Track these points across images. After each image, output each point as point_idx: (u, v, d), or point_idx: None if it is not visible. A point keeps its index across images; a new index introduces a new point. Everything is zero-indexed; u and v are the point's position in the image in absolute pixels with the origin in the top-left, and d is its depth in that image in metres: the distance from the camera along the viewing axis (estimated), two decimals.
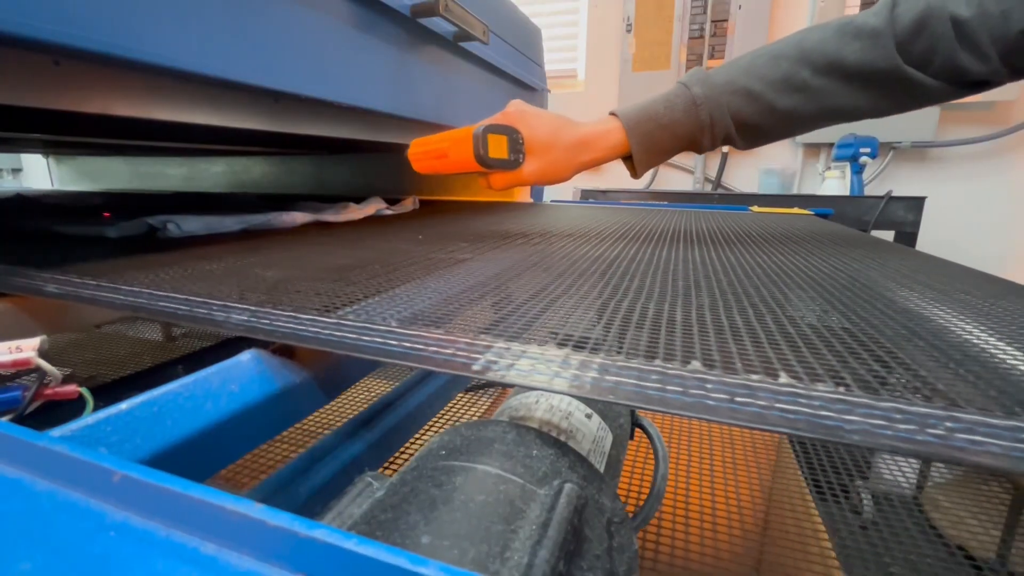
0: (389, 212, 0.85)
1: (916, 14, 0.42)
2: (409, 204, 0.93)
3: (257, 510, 0.12)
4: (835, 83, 0.45)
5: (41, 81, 0.37)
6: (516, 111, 0.51)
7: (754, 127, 0.49)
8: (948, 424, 0.16)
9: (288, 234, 0.60)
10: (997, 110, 1.53)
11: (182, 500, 0.13)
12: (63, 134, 0.76)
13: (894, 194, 1.26)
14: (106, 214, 0.68)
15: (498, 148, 0.48)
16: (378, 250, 0.46)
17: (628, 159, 0.52)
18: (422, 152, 0.51)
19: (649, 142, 0.50)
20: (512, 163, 0.50)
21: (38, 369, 0.22)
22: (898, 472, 0.65)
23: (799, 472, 0.67)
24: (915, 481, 0.65)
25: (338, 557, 0.11)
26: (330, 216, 0.73)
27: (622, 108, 0.51)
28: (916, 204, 1.27)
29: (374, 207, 0.82)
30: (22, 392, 0.22)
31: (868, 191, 1.56)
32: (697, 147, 0.51)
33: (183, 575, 0.12)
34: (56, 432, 0.17)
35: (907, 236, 1.28)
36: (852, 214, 1.28)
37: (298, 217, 0.68)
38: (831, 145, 1.60)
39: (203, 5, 0.38)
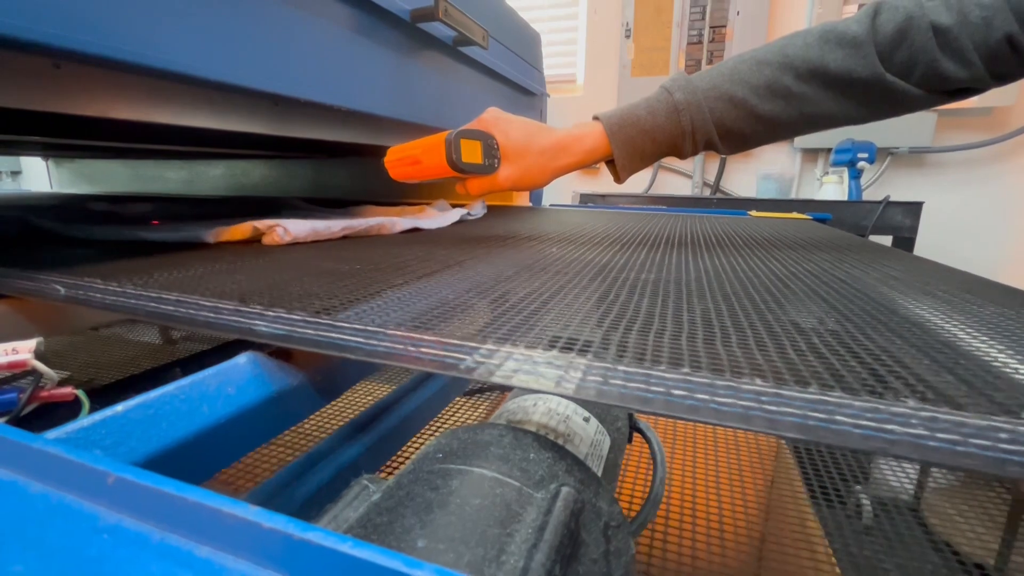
0: (472, 217, 0.82)
1: (897, 24, 0.42)
2: (479, 208, 0.87)
3: (252, 513, 0.12)
4: (817, 90, 0.45)
5: (42, 84, 0.37)
6: (491, 117, 0.51)
7: (736, 133, 0.48)
8: (951, 428, 0.16)
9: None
10: (995, 115, 1.53)
11: (177, 503, 0.13)
12: (63, 137, 0.76)
13: (892, 199, 1.27)
14: (155, 222, 0.65)
15: (472, 153, 0.48)
16: (374, 252, 0.47)
17: (611, 163, 0.52)
18: (396, 159, 0.51)
19: (631, 147, 0.50)
20: (487, 168, 0.50)
21: (34, 371, 0.22)
22: (894, 478, 0.65)
23: (798, 476, 0.67)
24: (913, 487, 0.65)
25: (333, 560, 0.11)
26: (423, 223, 0.69)
27: (605, 112, 0.51)
28: (914, 209, 1.27)
29: (457, 212, 0.79)
30: (18, 394, 0.22)
31: (866, 196, 1.56)
32: (679, 152, 0.51)
33: None
34: (51, 434, 0.17)
35: (905, 241, 1.28)
36: (850, 219, 1.28)
37: (399, 223, 0.65)
38: (829, 150, 1.61)
39: (204, 9, 0.38)
